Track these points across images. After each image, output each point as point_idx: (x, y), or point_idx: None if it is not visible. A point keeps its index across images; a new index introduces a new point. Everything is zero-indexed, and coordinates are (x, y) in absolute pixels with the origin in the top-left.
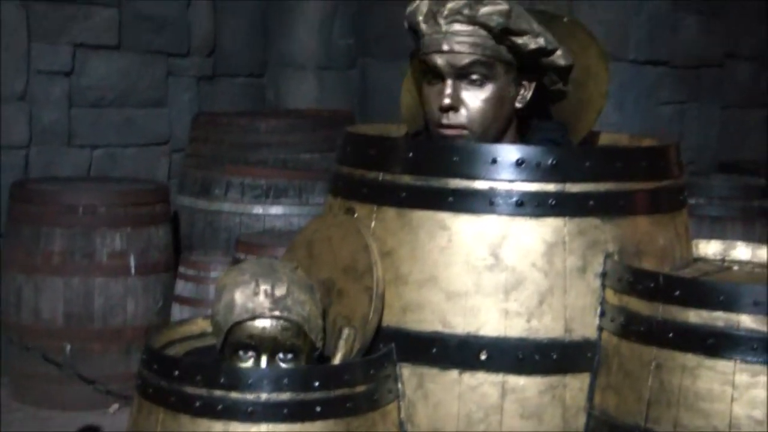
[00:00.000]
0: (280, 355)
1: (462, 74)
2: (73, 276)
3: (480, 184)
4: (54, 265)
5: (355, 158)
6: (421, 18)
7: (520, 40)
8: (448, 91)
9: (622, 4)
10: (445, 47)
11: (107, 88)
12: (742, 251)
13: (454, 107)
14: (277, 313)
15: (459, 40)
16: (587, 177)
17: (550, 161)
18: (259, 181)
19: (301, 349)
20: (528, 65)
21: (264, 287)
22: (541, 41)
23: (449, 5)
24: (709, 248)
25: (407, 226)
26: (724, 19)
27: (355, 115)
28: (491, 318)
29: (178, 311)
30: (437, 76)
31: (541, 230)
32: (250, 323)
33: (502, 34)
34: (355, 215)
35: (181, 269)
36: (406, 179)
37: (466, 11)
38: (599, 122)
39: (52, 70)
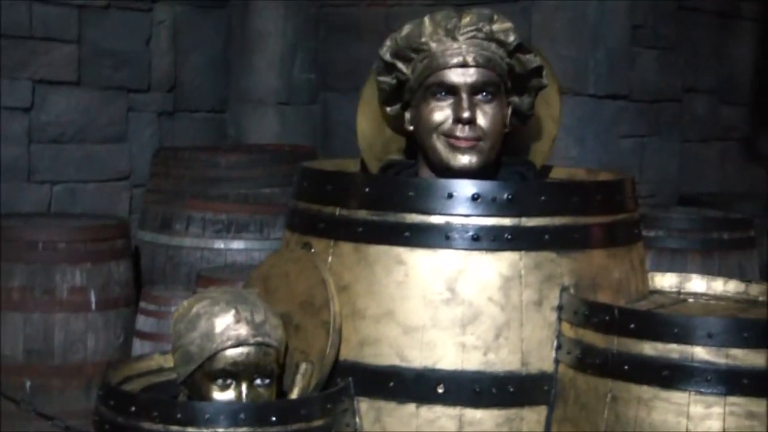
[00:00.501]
0: (258, 381)
1: (476, 90)
2: (33, 312)
3: (436, 219)
4: (14, 301)
5: (312, 193)
6: (426, 38)
7: (526, 58)
8: (466, 104)
9: (581, 39)
10: (466, 61)
11: (67, 123)
12: (698, 284)
13: (473, 120)
14: (259, 339)
15: (478, 56)
16: (543, 211)
17: (505, 196)
18: (220, 216)
19: (276, 374)
20: (517, 87)
21: (244, 314)
22: (539, 60)
23: (464, 21)
24: (665, 281)
25: (364, 260)
26: (683, 53)
27: (316, 149)
28: (448, 352)
29: (139, 346)
30: (449, 91)
31: (498, 264)
32: (233, 350)
33: (514, 51)
34: (312, 250)
35: (142, 304)
36: (363, 214)
37: (485, 27)
38: (558, 156)
39: (12, 106)
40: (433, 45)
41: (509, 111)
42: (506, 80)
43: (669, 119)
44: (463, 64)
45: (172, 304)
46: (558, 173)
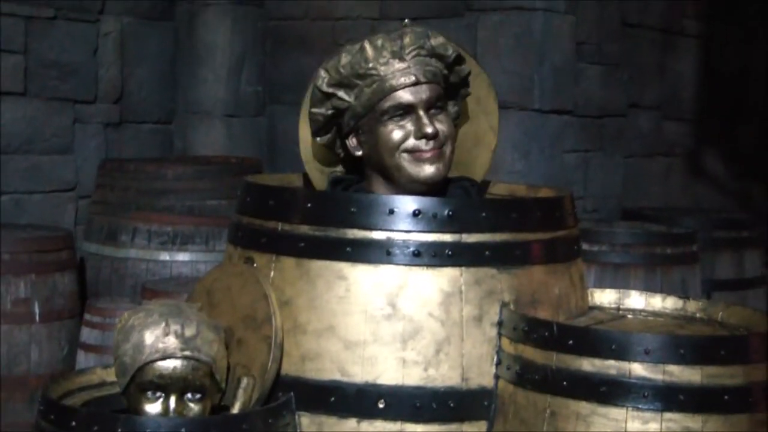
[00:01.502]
0: (188, 396)
1: (429, 105)
2: None
3: (377, 235)
4: None
5: (255, 208)
6: (372, 62)
7: (461, 68)
8: (426, 120)
9: (526, 54)
10: (418, 79)
11: (13, 134)
12: (636, 300)
13: (438, 133)
14: (187, 353)
15: (425, 72)
16: (483, 228)
17: (446, 212)
18: (166, 228)
19: (208, 390)
20: (448, 95)
21: (174, 327)
22: (468, 68)
23: (406, 41)
24: (605, 297)
25: (306, 275)
26: (627, 70)
27: (263, 162)
28: (389, 367)
29: (83, 359)
30: (406, 110)
31: (438, 280)
32: (160, 363)
33: (453, 63)
34: (254, 265)
35: (87, 316)
36: (305, 229)
37: (426, 44)
38: (504, 170)
39: None
40: (382, 68)
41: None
42: (444, 88)
43: (613, 134)
44: (416, 83)
45: (116, 317)
46: (499, 189)
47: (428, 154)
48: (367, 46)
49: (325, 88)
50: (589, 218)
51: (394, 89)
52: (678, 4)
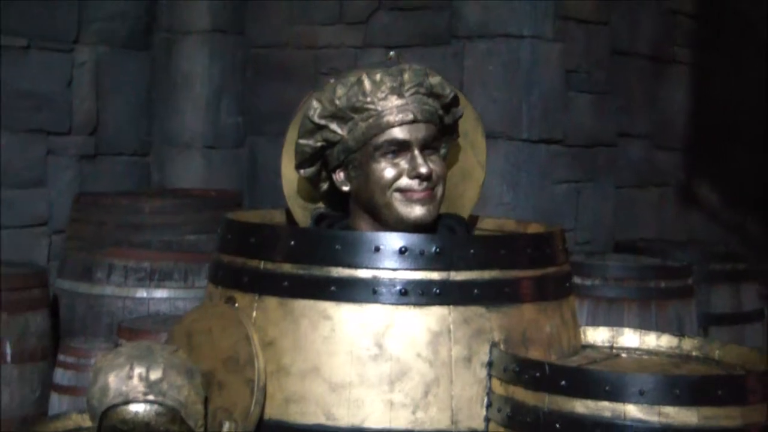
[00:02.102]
0: None
1: (424, 144)
2: None
3: (363, 273)
4: None
5: (236, 246)
6: (370, 96)
7: (456, 109)
8: (421, 160)
9: (514, 83)
10: (415, 117)
11: None
12: (630, 338)
13: (432, 174)
14: (151, 397)
15: (424, 111)
16: (472, 265)
17: (433, 249)
18: (143, 264)
19: None
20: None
21: (138, 370)
22: (462, 110)
23: (406, 77)
24: (598, 335)
25: (289, 315)
26: (617, 98)
27: (243, 195)
28: (376, 409)
29: (57, 401)
30: (401, 148)
31: (426, 319)
32: (123, 407)
33: (449, 103)
34: (236, 305)
35: (61, 357)
36: (288, 268)
37: (425, 83)
38: (492, 202)
39: None
40: (380, 103)
41: None
42: (438, 127)
43: (604, 164)
44: (413, 120)
45: (91, 357)
46: (488, 225)
47: (420, 195)
48: (366, 79)
49: (317, 120)
50: (580, 251)
51: (391, 125)
52: (668, 31)
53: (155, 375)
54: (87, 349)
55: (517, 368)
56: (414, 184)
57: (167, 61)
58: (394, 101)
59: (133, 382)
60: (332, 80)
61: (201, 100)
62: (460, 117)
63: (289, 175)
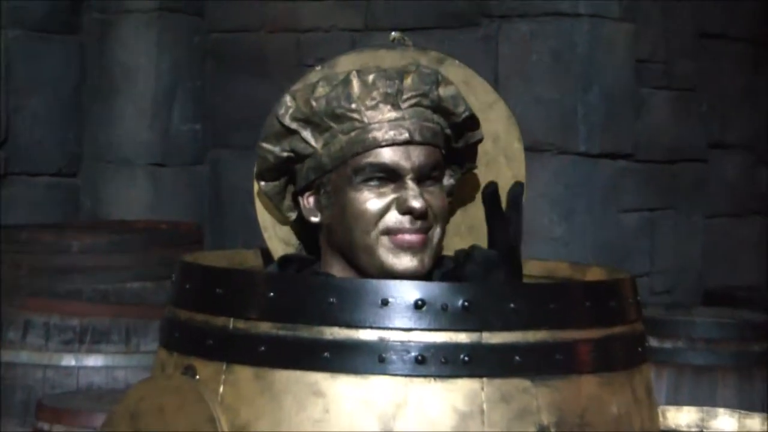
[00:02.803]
0: None
1: (422, 174)
2: None
3: (366, 334)
4: None
5: (197, 299)
6: (357, 103)
7: (472, 133)
8: (414, 192)
9: (567, 77)
10: (408, 138)
11: None
12: (727, 421)
13: (426, 212)
14: None
15: (422, 130)
16: (512, 324)
17: (460, 302)
18: (71, 321)
19: None
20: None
21: None
22: (481, 133)
23: (407, 83)
24: (682, 417)
25: (268, 391)
26: (706, 97)
27: (204, 228)
28: None
29: None
30: (390, 177)
31: (450, 396)
32: None
33: (462, 123)
34: (197, 377)
35: None
36: (266, 328)
37: (432, 93)
38: (538, 237)
39: None
40: (367, 113)
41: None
42: (444, 150)
43: (689, 186)
44: (408, 141)
45: None
46: (532, 268)
47: (412, 239)
48: (354, 79)
49: (287, 122)
50: (658, 303)
51: (378, 144)
52: None
53: None
54: None
55: None
56: (405, 221)
57: (101, 49)
58: (387, 113)
59: None
60: (319, 68)
61: (146, 102)
62: (477, 142)
63: (266, 201)
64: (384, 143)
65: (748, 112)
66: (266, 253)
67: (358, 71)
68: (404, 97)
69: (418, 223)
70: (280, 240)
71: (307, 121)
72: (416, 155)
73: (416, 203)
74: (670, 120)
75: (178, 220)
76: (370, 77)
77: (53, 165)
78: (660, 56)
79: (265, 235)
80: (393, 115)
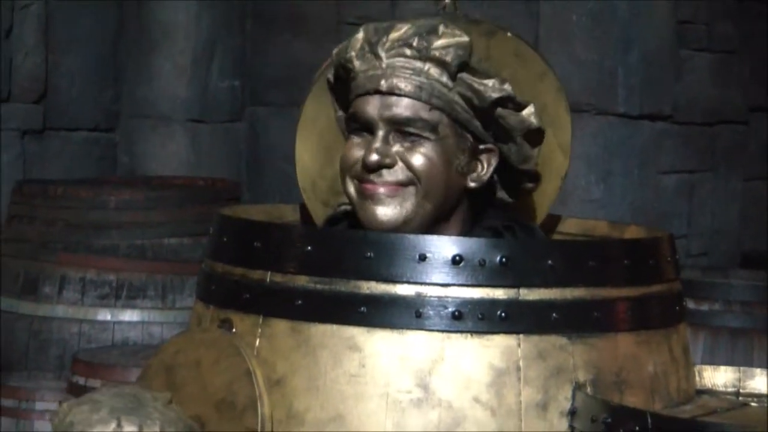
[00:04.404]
0: None
1: (397, 125)
2: None
3: (403, 289)
4: None
5: (234, 252)
6: (354, 53)
7: (479, 85)
8: (377, 144)
9: (607, 39)
10: (382, 87)
11: None
12: (763, 381)
13: (383, 165)
14: None
15: (401, 80)
16: (549, 281)
17: (499, 258)
18: (107, 276)
19: None
20: (487, 127)
21: (129, 429)
22: (508, 88)
23: (393, 35)
24: (719, 377)
25: (304, 345)
26: (747, 59)
27: (242, 185)
28: None
29: None
30: (365, 126)
31: (487, 352)
32: None
33: (459, 73)
34: (233, 330)
35: None
36: (303, 282)
37: (415, 42)
38: (576, 198)
39: None
40: (356, 63)
41: (477, 165)
42: (458, 117)
43: (728, 149)
44: (381, 91)
45: (36, 399)
46: (571, 227)
47: (373, 188)
48: (362, 29)
49: (330, 77)
50: (695, 265)
51: (358, 94)
52: None
53: None
54: (30, 389)
55: (610, 419)
56: (364, 175)
57: (140, 7)
58: (371, 63)
59: None
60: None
61: (185, 58)
62: (501, 100)
63: (307, 161)
64: (360, 92)
65: None
66: (304, 210)
67: (371, 23)
68: (386, 45)
69: (380, 174)
70: (318, 201)
71: (340, 71)
72: (391, 106)
73: (369, 156)
74: (710, 82)
75: (215, 177)
76: (372, 27)
77: (91, 120)
78: (701, 18)
79: (304, 195)
80: (375, 63)
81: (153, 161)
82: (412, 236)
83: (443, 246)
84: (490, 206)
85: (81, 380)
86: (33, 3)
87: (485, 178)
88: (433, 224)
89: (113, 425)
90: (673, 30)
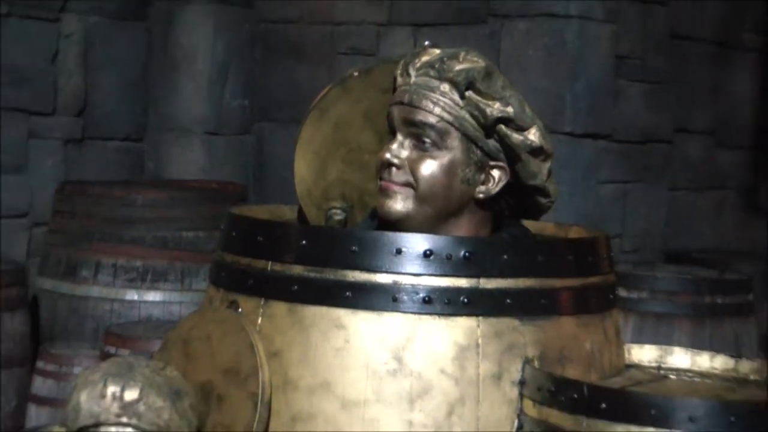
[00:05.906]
0: None
1: (413, 132)
2: None
3: (382, 278)
4: None
5: (241, 245)
6: (399, 71)
7: (484, 105)
8: (393, 146)
9: (558, 69)
10: (405, 100)
11: None
12: (681, 358)
13: (393, 164)
14: (124, 419)
15: (420, 95)
16: (504, 272)
17: (462, 253)
18: (135, 263)
19: None
20: (498, 146)
21: (112, 389)
22: (509, 110)
23: (424, 58)
24: (644, 354)
25: (298, 323)
26: (674, 89)
27: (249, 188)
28: (393, 431)
29: (34, 413)
30: (393, 130)
31: (452, 331)
32: (93, 430)
33: (467, 92)
34: (239, 310)
35: (40, 364)
36: (298, 270)
37: (437, 64)
38: None
39: None
40: (399, 80)
41: (486, 179)
42: (467, 132)
43: (657, 163)
44: (404, 103)
45: (74, 365)
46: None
47: (386, 184)
48: (408, 53)
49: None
50: (627, 260)
51: (392, 103)
52: (736, 13)
53: (131, 395)
54: (69, 356)
55: (553, 388)
56: (383, 171)
57: (166, 35)
58: (405, 78)
59: (105, 402)
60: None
61: (203, 79)
62: (501, 119)
63: (303, 174)
64: (392, 102)
65: (710, 103)
66: (300, 211)
67: (413, 51)
68: (417, 66)
69: (390, 173)
70: (312, 205)
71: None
72: (409, 114)
73: (386, 154)
74: (643, 108)
75: (226, 181)
76: (409, 54)
77: (123, 131)
78: (637, 53)
79: (301, 202)
80: (405, 80)
81: (174, 167)
82: (390, 233)
83: (416, 242)
84: (510, 219)
85: (112, 350)
86: (74, 32)
87: (494, 191)
88: (439, 224)
89: (100, 386)
90: (613, 63)
